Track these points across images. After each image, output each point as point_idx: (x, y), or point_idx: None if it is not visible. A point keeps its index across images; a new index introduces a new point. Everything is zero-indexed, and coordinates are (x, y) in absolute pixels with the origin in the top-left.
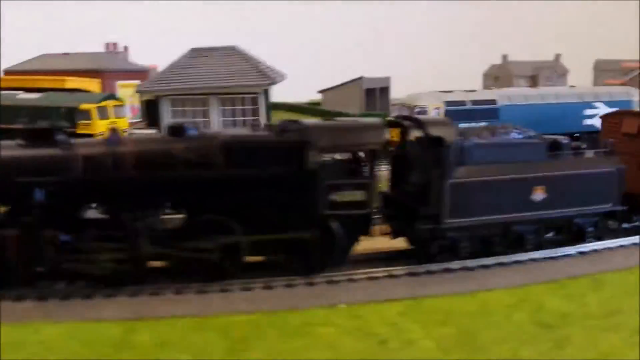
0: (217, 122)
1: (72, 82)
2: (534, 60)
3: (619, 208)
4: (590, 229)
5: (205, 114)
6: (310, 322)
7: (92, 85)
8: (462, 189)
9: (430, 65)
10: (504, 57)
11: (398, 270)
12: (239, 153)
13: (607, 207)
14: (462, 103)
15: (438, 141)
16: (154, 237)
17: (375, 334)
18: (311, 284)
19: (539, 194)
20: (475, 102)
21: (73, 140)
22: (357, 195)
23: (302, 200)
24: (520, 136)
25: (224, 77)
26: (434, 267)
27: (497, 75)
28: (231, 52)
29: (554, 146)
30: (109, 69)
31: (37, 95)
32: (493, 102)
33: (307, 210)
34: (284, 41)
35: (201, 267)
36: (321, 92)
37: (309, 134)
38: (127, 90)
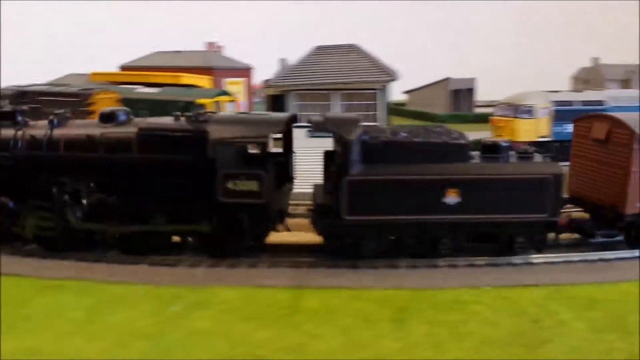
0: None
1: (186, 78)
2: (626, 64)
3: (553, 219)
4: (520, 240)
5: (327, 108)
6: (461, 300)
7: (204, 81)
8: (363, 187)
9: (513, 67)
10: (595, 59)
11: (536, 258)
12: (151, 140)
13: (541, 217)
14: (569, 103)
15: (339, 138)
16: (76, 210)
17: (526, 313)
18: (454, 266)
19: (452, 197)
20: (583, 103)
21: (31, 123)
22: (251, 185)
23: (203, 186)
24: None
25: (345, 73)
26: (574, 257)
27: (587, 79)
28: (352, 50)
29: (490, 149)
30: (218, 66)
31: (155, 90)
32: (600, 103)
33: (208, 196)
34: (366, 41)
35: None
36: (407, 92)
37: (207, 125)
38: (233, 87)
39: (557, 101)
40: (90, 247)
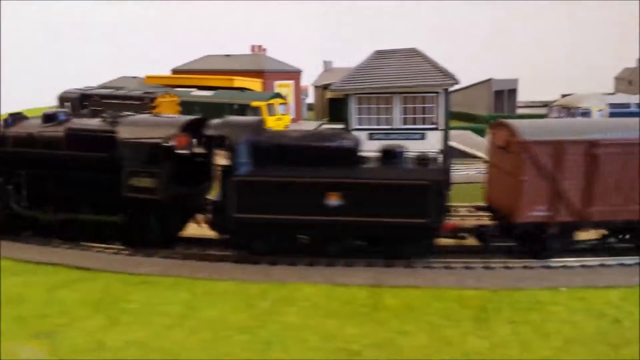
0: (398, 119)
1: (239, 82)
2: None
3: (434, 224)
4: (405, 244)
5: (387, 111)
6: (539, 300)
7: (256, 84)
8: (249, 187)
9: (555, 68)
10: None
11: (610, 260)
12: (76, 138)
13: (422, 222)
14: (626, 105)
15: (222, 140)
16: (18, 198)
17: (605, 314)
18: (529, 267)
19: (333, 200)
20: (639, 105)
21: None
22: (147, 182)
23: (116, 182)
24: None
25: (406, 77)
26: None
27: (631, 79)
28: (413, 54)
29: (387, 154)
30: (269, 69)
31: (210, 93)
32: None
33: (117, 191)
34: (408, 41)
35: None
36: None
37: (118, 126)
38: (283, 89)
39: (613, 104)
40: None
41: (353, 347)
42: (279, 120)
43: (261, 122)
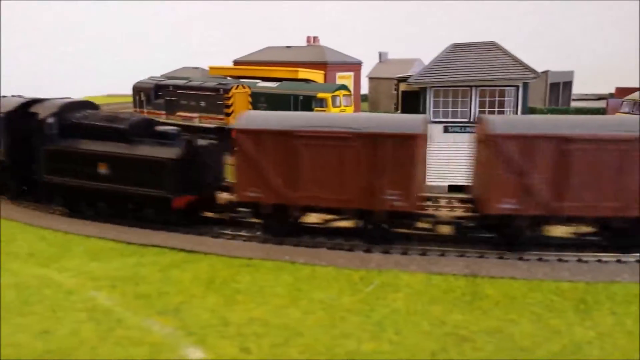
0: (475, 111)
1: (303, 73)
2: None
3: (170, 196)
4: (149, 211)
5: (463, 104)
6: (636, 294)
7: (318, 76)
8: (52, 155)
9: (609, 60)
10: None
11: None
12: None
13: (160, 193)
14: None
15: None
16: None
17: None
18: (623, 262)
19: (103, 170)
20: None
21: None
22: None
23: None
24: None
25: (485, 70)
26: None
27: None
28: (491, 47)
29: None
30: (331, 61)
31: (274, 84)
32: None
33: None
34: (461, 33)
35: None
36: None
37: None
38: (344, 81)
39: None
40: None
41: (462, 332)
42: (343, 112)
43: (76, 103)
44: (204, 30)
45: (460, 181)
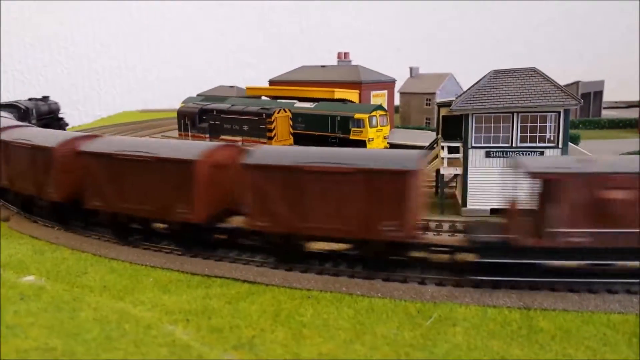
0: (517, 136)
1: (339, 93)
2: None
3: None
4: None
5: (505, 129)
6: None
7: (353, 95)
8: None
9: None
10: None
11: None
12: None
13: None
14: None
15: None
16: None
17: None
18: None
19: None
20: None
21: None
22: None
23: None
24: None
25: (526, 96)
26: None
27: None
28: (532, 73)
29: None
30: (366, 80)
31: (312, 104)
32: None
33: None
34: (494, 44)
35: None
36: None
37: None
38: (378, 99)
39: None
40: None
41: None
42: (379, 132)
43: None
44: (232, 44)
45: (503, 204)
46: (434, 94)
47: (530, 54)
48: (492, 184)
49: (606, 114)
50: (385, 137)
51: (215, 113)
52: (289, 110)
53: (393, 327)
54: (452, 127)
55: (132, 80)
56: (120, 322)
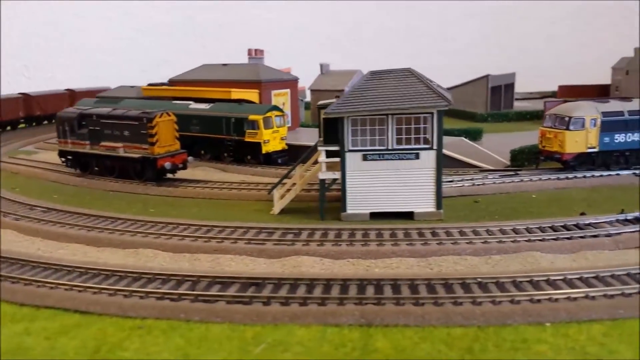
0: (392, 139)
1: (236, 94)
2: None
3: None
4: None
5: (381, 132)
6: (524, 339)
7: (253, 95)
8: None
9: (550, 57)
10: (637, 50)
11: (595, 292)
12: None
13: None
14: (620, 114)
15: None
16: None
17: (588, 353)
18: (516, 302)
19: None
20: (632, 113)
21: None
22: None
23: None
24: None
25: (401, 98)
26: (628, 289)
27: (628, 69)
28: (407, 74)
29: None
30: (266, 79)
31: (207, 106)
32: None
33: None
34: (399, 39)
35: None
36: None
37: None
38: (280, 98)
39: (606, 112)
40: None
41: None
42: (276, 133)
43: None
44: (148, 41)
45: (381, 208)
46: (342, 90)
47: (448, 46)
48: (370, 188)
49: (519, 105)
50: (283, 138)
51: (95, 118)
52: (173, 114)
53: (222, 356)
54: (333, 130)
55: (42, 83)
56: None
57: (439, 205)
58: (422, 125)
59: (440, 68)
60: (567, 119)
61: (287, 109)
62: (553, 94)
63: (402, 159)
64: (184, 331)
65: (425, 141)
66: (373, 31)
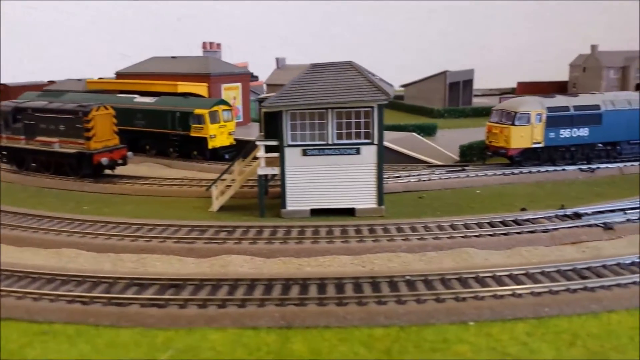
0: (332, 134)
1: (183, 87)
2: (626, 50)
3: None
4: None
5: (322, 126)
6: (445, 339)
7: (201, 89)
8: None
9: (510, 54)
10: (593, 47)
11: (522, 289)
12: None
13: None
14: (565, 109)
15: None
16: None
17: (508, 353)
18: (441, 300)
19: None
20: (577, 108)
21: None
22: None
23: None
24: None
25: (341, 92)
26: (555, 287)
27: (585, 66)
28: (347, 67)
29: None
30: (215, 72)
31: (152, 100)
32: (597, 107)
33: None
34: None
35: None
36: (404, 86)
37: None
38: (230, 92)
39: (551, 107)
40: None
41: None
42: (223, 128)
43: None
44: (106, 34)
45: (322, 204)
46: None
47: (409, 44)
48: (310, 184)
49: (477, 102)
50: (231, 133)
51: (30, 112)
52: (112, 108)
53: None
54: (273, 124)
55: None
56: None
57: (380, 201)
58: (362, 120)
59: (404, 66)
60: (512, 114)
61: (239, 104)
62: (512, 91)
63: (343, 154)
64: (91, 337)
65: (367, 135)
66: (340, 29)
